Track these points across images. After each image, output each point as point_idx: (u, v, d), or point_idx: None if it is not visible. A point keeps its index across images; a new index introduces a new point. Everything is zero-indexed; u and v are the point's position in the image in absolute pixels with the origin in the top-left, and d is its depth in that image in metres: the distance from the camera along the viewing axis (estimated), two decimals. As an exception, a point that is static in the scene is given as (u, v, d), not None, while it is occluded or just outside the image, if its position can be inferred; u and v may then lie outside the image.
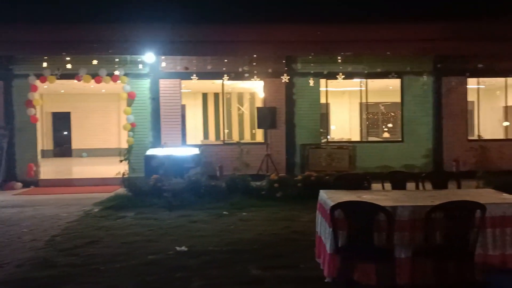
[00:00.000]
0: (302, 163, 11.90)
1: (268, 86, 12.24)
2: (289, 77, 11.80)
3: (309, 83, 12.00)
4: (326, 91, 12.71)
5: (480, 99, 13.47)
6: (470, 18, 11.45)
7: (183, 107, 13.20)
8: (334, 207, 4.07)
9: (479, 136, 13.17)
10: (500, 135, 14.26)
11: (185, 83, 12.38)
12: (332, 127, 17.59)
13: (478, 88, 13.17)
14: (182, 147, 11.56)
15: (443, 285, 4.17)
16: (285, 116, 12.15)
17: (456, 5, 11.82)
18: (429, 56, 12.08)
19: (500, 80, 13.06)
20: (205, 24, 11.27)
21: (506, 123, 14.03)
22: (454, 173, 9.40)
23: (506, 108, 14.04)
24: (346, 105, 18.06)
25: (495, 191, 5.16)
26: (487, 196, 4.71)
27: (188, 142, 13.11)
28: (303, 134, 12.15)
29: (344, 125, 18.00)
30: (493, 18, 11.67)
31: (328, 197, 4.59)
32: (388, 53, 11.52)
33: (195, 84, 12.71)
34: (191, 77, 11.59)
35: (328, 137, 14.45)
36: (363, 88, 12.93)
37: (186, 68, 11.71)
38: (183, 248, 5.75)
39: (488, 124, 14.34)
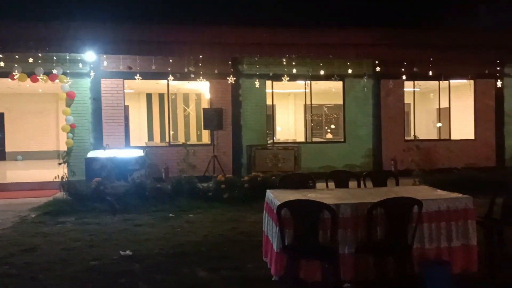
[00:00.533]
0: (248, 164, 11.97)
1: (214, 87, 12.20)
2: (235, 78, 11.84)
3: (255, 84, 12.09)
4: (272, 92, 12.89)
5: (415, 101, 14.21)
6: (406, 26, 12.14)
7: (126, 108, 12.82)
8: (280, 206, 4.13)
9: (415, 136, 13.89)
10: (434, 136, 15.13)
11: (128, 83, 12.05)
12: (278, 128, 17.84)
13: (414, 91, 13.89)
14: (126, 149, 11.24)
15: (384, 279, 4.35)
16: (232, 117, 12.17)
17: (393, 15, 12.50)
18: (369, 60, 12.58)
19: (434, 84, 13.85)
20: (149, 23, 11.06)
21: (439, 124, 14.91)
22: (393, 171, 9.84)
23: (439, 110, 14.93)
24: (291, 107, 18.41)
25: (430, 188, 5.47)
26: (423, 192, 4.98)
27: (132, 144, 12.79)
28: (249, 135, 12.24)
29: (289, 126, 18.33)
30: (427, 27, 12.44)
31: (275, 197, 4.65)
32: (331, 56, 11.87)
33: (139, 84, 12.41)
34: (135, 77, 11.28)
35: (274, 138, 14.63)
36: (307, 90, 13.23)
37: (130, 68, 11.39)
38: (128, 252, 5.59)
39: (423, 125, 15.17)
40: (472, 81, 13.50)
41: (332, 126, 19.66)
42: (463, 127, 13.81)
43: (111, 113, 11.59)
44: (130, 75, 11.45)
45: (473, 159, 12.80)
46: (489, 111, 13.47)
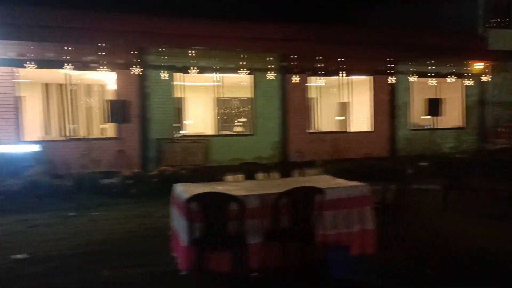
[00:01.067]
0: (157, 158, 11.65)
1: (120, 78, 11.64)
2: (142, 69, 11.40)
3: (162, 76, 11.77)
4: (183, 85, 12.64)
5: (320, 95, 14.91)
6: (311, 22, 12.67)
7: (19, 99, 11.71)
8: (189, 200, 4.09)
9: (317, 129, 14.60)
10: (335, 128, 16.02)
11: (23, 72, 10.99)
12: (189, 121, 17.59)
13: (317, 86, 14.55)
14: (18, 144, 10.30)
15: (289, 266, 4.52)
16: (139, 110, 11.73)
17: (300, 11, 12.97)
18: (277, 55, 12.91)
19: (337, 79, 14.63)
20: (42, 6, 10.22)
21: (339, 118, 15.82)
22: (298, 163, 10.24)
23: (340, 104, 15.84)
24: (201, 100, 18.23)
25: (331, 177, 5.79)
26: (325, 181, 5.25)
27: (26, 138, 11.71)
28: (158, 128, 11.89)
29: (200, 119, 18.14)
30: (330, 24, 13.11)
31: (183, 190, 4.59)
32: (239, 49, 11.97)
33: (37, 74, 11.40)
34: (25, 64, 10.32)
35: (183, 131, 14.42)
36: (218, 84, 13.21)
37: (21, 55, 10.41)
38: (22, 255, 5.14)
39: (325, 118, 15.98)
40: (371, 77, 14.48)
41: (244, 119, 19.86)
42: (362, 120, 14.80)
43: None
44: (21, 63, 10.46)
45: (370, 150, 13.79)
46: (384, 105, 14.58)
